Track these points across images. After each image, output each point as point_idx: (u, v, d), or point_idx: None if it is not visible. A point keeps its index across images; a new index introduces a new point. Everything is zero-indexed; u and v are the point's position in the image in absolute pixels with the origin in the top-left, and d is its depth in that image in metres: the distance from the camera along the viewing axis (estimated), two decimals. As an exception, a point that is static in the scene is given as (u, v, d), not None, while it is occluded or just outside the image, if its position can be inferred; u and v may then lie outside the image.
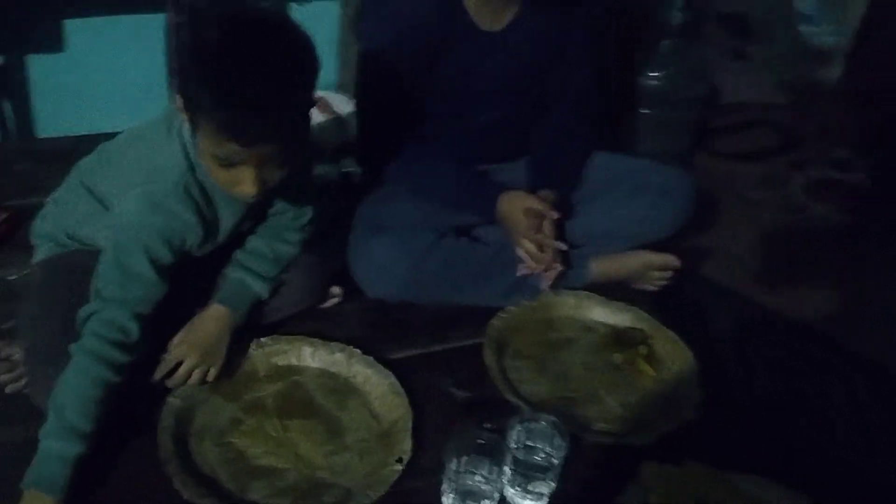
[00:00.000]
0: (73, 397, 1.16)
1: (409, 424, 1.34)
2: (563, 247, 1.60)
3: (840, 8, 3.86)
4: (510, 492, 1.27)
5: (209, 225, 1.33)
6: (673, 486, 1.27)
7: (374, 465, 1.29)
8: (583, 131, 1.74)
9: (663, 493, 1.26)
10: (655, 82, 2.68)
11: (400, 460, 1.28)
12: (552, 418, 1.27)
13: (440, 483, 1.24)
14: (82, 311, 1.24)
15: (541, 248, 1.57)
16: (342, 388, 1.42)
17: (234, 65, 1.10)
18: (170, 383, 1.34)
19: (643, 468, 1.29)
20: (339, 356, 1.45)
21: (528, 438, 1.27)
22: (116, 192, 1.30)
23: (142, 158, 1.29)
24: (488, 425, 1.28)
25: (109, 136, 1.44)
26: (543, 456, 1.25)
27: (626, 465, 1.31)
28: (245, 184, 1.18)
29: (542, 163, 1.71)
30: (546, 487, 1.25)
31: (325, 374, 1.44)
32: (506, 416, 1.29)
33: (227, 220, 1.36)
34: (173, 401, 1.32)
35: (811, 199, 2.85)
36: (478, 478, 1.23)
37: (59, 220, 1.44)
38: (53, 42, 2.47)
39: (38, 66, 2.47)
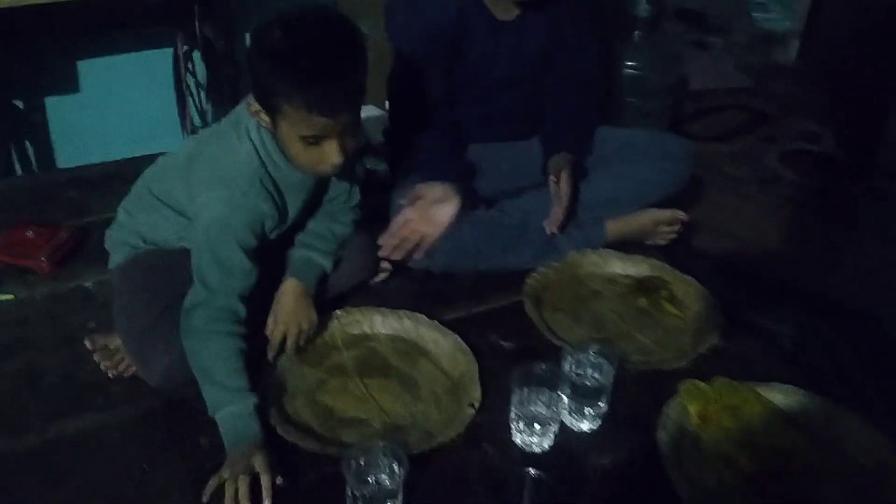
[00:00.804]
0: (222, 367, 1.35)
1: (477, 375, 1.50)
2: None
3: (791, -7, 4.12)
4: (568, 416, 1.44)
5: (281, 211, 1.50)
6: (707, 398, 1.45)
7: (449, 411, 1.46)
8: (590, 105, 1.93)
9: (700, 404, 1.44)
10: (633, 71, 2.89)
11: (472, 405, 1.44)
12: (598, 347, 1.45)
13: (507, 419, 1.41)
14: (187, 301, 1.41)
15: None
16: (412, 351, 1.59)
17: (306, 51, 1.29)
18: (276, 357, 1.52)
19: (680, 386, 1.47)
20: (407, 322, 1.62)
21: (579, 368, 1.45)
22: (193, 195, 1.46)
23: (214, 162, 1.46)
24: (544, 364, 1.45)
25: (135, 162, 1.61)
26: (594, 380, 1.43)
27: (665, 386, 1.49)
28: (332, 156, 1.36)
29: (555, 132, 1.89)
30: (599, 409, 1.43)
31: (396, 339, 1.61)
32: (553, 357, 1.46)
33: (294, 206, 1.54)
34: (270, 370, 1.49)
35: (785, 168, 3.07)
36: (540, 405, 1.40)
37: (131, 226, 1.60)
38: (69, 83, 2.63)
39: (56, 107, 2.60)
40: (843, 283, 2.43)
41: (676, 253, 1.92)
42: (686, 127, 3.28)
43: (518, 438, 1.40)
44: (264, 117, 1.39)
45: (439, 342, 1.58)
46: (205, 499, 1.25)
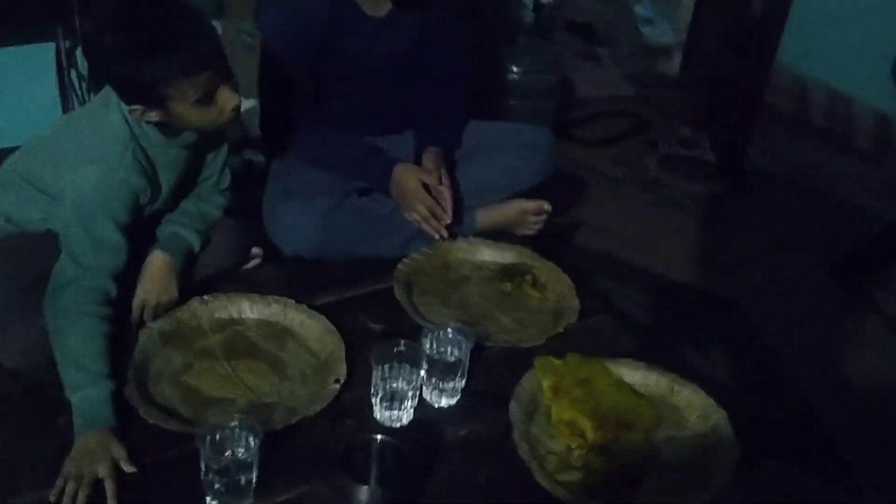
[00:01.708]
0: (85, 350, 1.36)
1: (343, 354, 1.54)
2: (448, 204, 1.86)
3: (674, 10, 4.32)
4: (428, 391, 1.50)
5: (154, 186, 1.53)
6: (559, 372, 1.53)
7: (315, 388, 1.50)
8: (458, 99, 2.00)
9: (553, 378, 1.52)
10: (516, 76, 3.00)
11: (337, 381, 1.49)
12: (457, 324, 1.52)
13: (369, 393, 1.46)
14: (56, 280, 1.42)
15: (432, 212, 1.83)
16: (280, 334, 1.62)
17: (157, 33, 1.34)
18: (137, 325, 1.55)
19: (535, 361, 1.55)
20: (275, 307, 1.65)
21: (438, 345, 1.51)
22: (61, 173, 1.47)
23: (84, 138, 1.48)
24: (404, 341, 1.51)
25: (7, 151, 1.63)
26: (452, 356, 1.49)
27: (522, 362, 1.56)
28: (230, 100, 1.43)
29: (426, 127, 1.97)
30: (457, 384, 1.49)
31: (263, 324, 1.63)
32: (418, 337, 1.52)
33: (167, 182, 1.56)
34: (136, 356, 1.49)
35: (664, 172, 3.23)
36: (400, 381, 1.45)
37: None
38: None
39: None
40: (709, 272, 2.60)
41: (545, 243, 2.01)
42: (572, 131, 3.42)
43: (378, 414, 1.45)
44: (151, 114, 1.42)
45: (307, 324, 1.62)
46: (52, 499, 1.24)
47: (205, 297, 1.64)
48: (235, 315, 1.64)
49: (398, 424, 1.45)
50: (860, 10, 3.32)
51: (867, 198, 3.09)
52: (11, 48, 2.61)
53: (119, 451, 1.29)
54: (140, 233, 1.56)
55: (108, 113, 1.47)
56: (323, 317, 1.62)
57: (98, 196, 1.43)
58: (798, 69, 3.60)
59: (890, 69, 2.79)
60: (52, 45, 2.47)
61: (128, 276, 1.53)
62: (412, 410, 1.46)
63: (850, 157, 3.41)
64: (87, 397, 1.34)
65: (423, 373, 1.48)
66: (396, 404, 1.44)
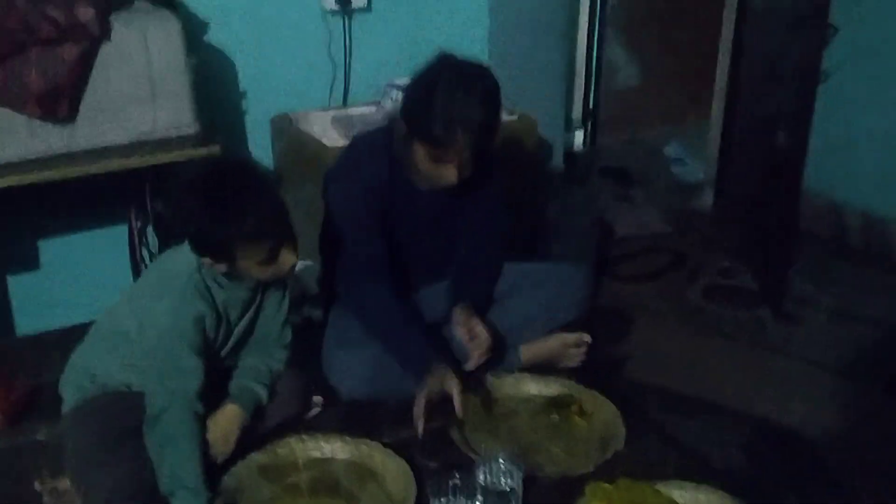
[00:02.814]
0: (187, 466, 1.55)
1: (413, 495, 1.63)
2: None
3: (702, 148, 4.51)
4: (485, 521, 1.57)
5: (219, 318, 1.69)
6: (611, 496, 1.59)
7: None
8: (495, 262, 2.15)
9: (603, 502, 1.58)
10: (552, 221, 3.17)
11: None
12: (507, 454, 1.60)
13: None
14: (150, 412, 1.59)
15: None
16: (364, 474, 1.73)
17: (231, 205, 1.55)
18: None
19: (587, 488, 1.61)
20: (363, 448, 1.77)
21: (491, 475, 1.59)
22: (142, 312, 1.65)
23: (155, 278, 1.70)
24: (458, 473, 1.59)
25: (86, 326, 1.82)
26: (506, 485, 1.56)
27: (573, 490, 1.63)
28: (288, 260, 1.64)
29: (462, 281, 2.10)
30: (512, 511, 1.56)
31: (351, 464, 1.75)
32: (471, 470, 1.61)
33: (234, 318, 1.73)
34: (227, 479, 1.65)
35: (706, 302, 3.31)
36: None
37: (80, 365, 1.77)
38: (29, 260, 2.80)
39: (17, 283, 2.78)
40: (759, 398, 2.63)
41: (590, 375, 2.09)
42: (612, 269, 3.54)
43: None
44: (220, 266, 1.60)
45: (388, 466, 1.72)
46: None
47: (303, 435, 1.78)
48: (328, 454, 1.77)
49: None
50: (884, 133, 3.47)
51: (913, 316, 3.12)
52: (89, 231, 2.86)
53: None
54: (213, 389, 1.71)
55: (177, 256, 1.67)
56: (403, 460, 1.72)
57: (172, 324, 1.60)
58: (830, 194, 3.72)
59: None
60: (124, 227, 2.72)
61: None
62: None
63: (890, 276, 3.45)
64: None
65: (478, 502, 1.55)
66: None
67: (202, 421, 1.64)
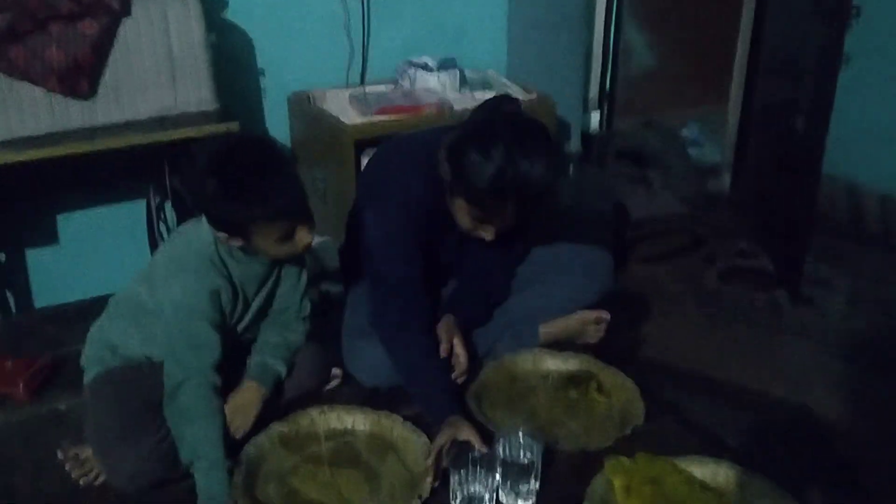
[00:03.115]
0: (205, 442, 1.56)
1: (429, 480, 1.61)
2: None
3: (719, 130, 4.49)
4: (504, 495, 1.57)
5: (236, 293, 1.70)
6: (630, 471, 1.59)
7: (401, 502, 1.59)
8: (503, 286, 2.09)
9: (623, 477, 1.58)
10: (570, 204, 3.16)
11: (420, 496, 1.57)
12: (526, 430, 1.60)
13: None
14: (169, 385, 1.61)
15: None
16: (385, 447, 1.74)
17: (253, 184, 1.54)
18: None
19: (605, 462, 1.62)
20: (385, 422, 1.77)
21: (511, 449, 1.59)
22: (157, 289, 1.66)
23: (172, 253, 1.69)
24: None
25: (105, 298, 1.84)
26: (525, 459, 1.57)
27: (592, 465, 1.63)
28: (304, 238, 1.63)
29: (461, 298, 2.04)
30: (531, 485, 1.57)
31: (372, 436, 1.76)
32: (491, 444, 1.61)
33: (251, 293, 1.73)
34: (248, 448, 1.66)
35: (723, 284, 3.30)
36: (477, 485, 1.53)
37: (101, 339, 1.78)
38: (48, 235, 2.82)
39: (36, 257, 2.80)
40: (775, 380, 2.63)
41: (608, 354, 2.09)
42: (629, 252, 3.53)
43: None
44: (235, 242, 1.60)
45: (409, 440, 1.72)
46: None
47: (324, 406, 1.79)
48: (349, 426, 1.78)
49: None
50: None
51: (930, 298, 3.11)
52: (107, 207, 2.88)
53: None
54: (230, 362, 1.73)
55: (193, 231, 1.67)
56: (424, 435, 1.72)
57: (189, 300, 1.61)
58: (849, 179, 3.70)
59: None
60: (143, 203, 2.74)
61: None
62: None
63: (909, 260, 3.44)
64: (208, 480, 1.54)
65: (498, 476, 1.56)
66: None
67: (221, 394, 1.65)
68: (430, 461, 1.60)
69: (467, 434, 1.63)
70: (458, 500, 1.53)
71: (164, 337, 1.64)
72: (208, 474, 1.55)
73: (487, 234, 1.81)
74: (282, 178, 1.56)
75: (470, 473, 1.54)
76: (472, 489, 1.53)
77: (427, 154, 1.83)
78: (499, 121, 1.72)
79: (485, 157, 1.66)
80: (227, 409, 1.68)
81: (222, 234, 1.60)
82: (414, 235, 1.85)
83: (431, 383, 1.79)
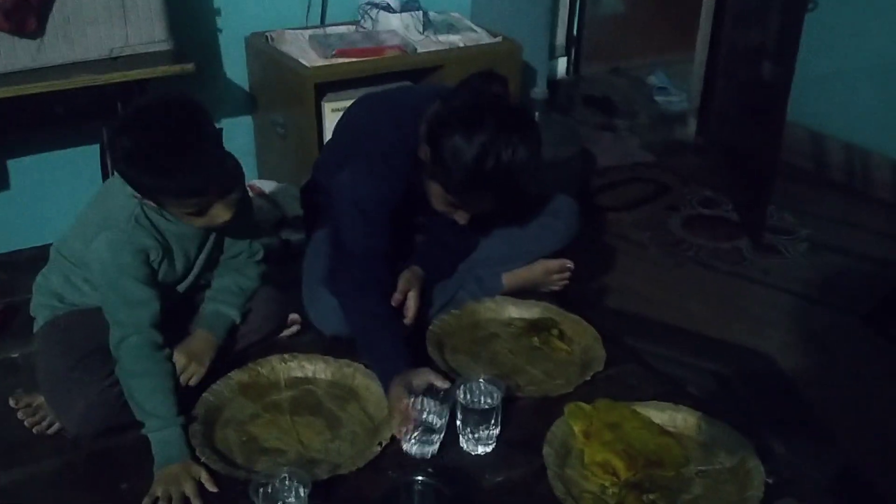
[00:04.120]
0: (153, 398, 1.52)
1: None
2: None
3: (686, 78, 4.47)
4: (464, 440, 1.57)
5: (169, 247, 1.63)
6: (590, 416, 1.59)
7: (361, 448, 1.58)
8: (472, 247, 2.05)
9: (583, 423, 1.58)
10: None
11: (380, 444, 1.56)
12: (487, 376, 1.60)
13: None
14: (112, 341, 1.56)
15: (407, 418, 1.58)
16: (346, 395, 1.72)
17: (159, 155, 1.46)
18: None
19: (566, 408, 1.62)
20: (346, 370, 1.75)
21: (471, 395, 1.58)
22: (89, 242, 1.59)
23: (100, 209, 1.62)
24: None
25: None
26: (486, 404, 1.56)
27: (553, 410, 1.63)
28: (221, 215, 1.54)
29: (427, 253, 1.98)
30: (491, 431, 1.56)
31: (333, 384, 1.75)
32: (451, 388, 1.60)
33: (181, 252, 1.66)
34: (206, 396, 1.64)
35: (687, 233, 3.31)
36: (431, 415, 1.54)
37: (46, 288, 1.73)
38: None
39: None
40: (737, 327, 2.65)
41: (572, 303, 2.08)
42: (594, 199, 3.53)
43: (412, 448, 1.55)
44: (151, 203, 1.55)
45: (371, 389, 1.71)
46: None
47: (285, 355, 1.77)
48: (310, 374, 1.76)
49: (430, 456, 1.55)
50: (870, 65, 3.44)
51: (890, 247, 3.14)
52: (61, 151, 2.79)
53: (199, 472, 1.45)
54: (180, 312, 1.70)
55: (118, 187, 1.59)
56: None
57: (112, 257, 1.55)
58: (813, 126, 3.70)
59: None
60: (96, 147, 2.66)
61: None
62: (439, 442, 1.56)
63: (870, 209, 3.47)
64: (162, 437, 1.50)
65: (458, 422, 1.56)
66: (429, 437, 1.54)
67: (164, 350, 1.59)
68: (396, 416, 1.56)
69: (423, 376, 1.60)
70: (413, 431, 1.53)
71: (100, 294, 1.59)
72: (162, 432, 1.51)
73: (461, 218, 1.78)
74: (195, 156, 1.47)
75: (421, 401, 1.54)
76: (427, 419, 1.54)
77: (411, 119, 1.77)
78: (485, 106, 1.66)
79: (467, 146, 1.62)
80: (178, 358, 1.64)
81: (137, 194, 1.54)
82: (388, 206, 1.81)
83: (383, 346, 1.71)
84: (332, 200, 1.85)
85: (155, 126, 1.47)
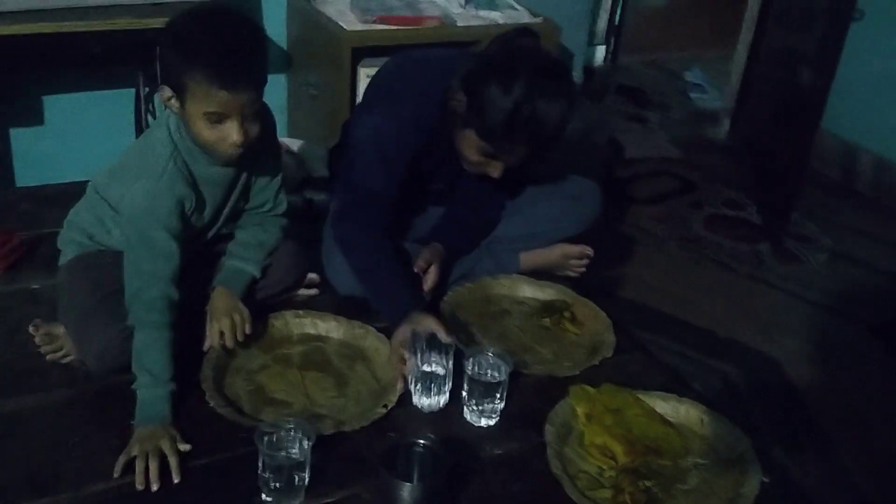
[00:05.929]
0: (150, 354, 1.50)
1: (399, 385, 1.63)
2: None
3: (723, 77, 4.44)
4: (468, 412, 1.59)
5: (199, 198, 1.64)
6: (593, 400, 1.61)
7: (365, 409, 1.60)
8: (494, 222, 2.05)
9: (586, 405, 1.60)
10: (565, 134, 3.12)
11: (385, 406, 1.59)
12: (496, 349, 1.61)
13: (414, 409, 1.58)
14: (128, 291, 1.56)
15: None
16: (355, 355, 1.74)
17: (207, 31, 1.48)
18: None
19: (570, 389, 1.63)
20: (358, 331, 1.78)
21: (479, 367, 1.60)
22: (122, 190, 1.61)
23: (139, 155, 1.63)
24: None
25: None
26: (493, 377, 1.58)
27: (558, 391, 1.65)
28: (233, 134, 1.51)
29: (449, 228, 2.00)
30: (496, 404, 1.58)
31: (343, 344, 1.77)
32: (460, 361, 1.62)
33: (211, 199, 1.67)
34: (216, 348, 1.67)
35: (707, 231, 3.31)
36: (434, 365, 1.58)
37: (78, 224, 1.75)
38: (33, 116, 2.78)
39: (19, 137, 2.77)
40: (747, 329, 2.66)
41: (587, 289, 2.09)
42: (618, 188, 3.52)
43: (418, 401, 1.60)
44: (174, 102, 1.53)
45: (381, 351, 1.73)
46: (116, 474, 1.39)
47: (299, 311, 1.80)
48: (322, 332, 1.79)
49: (437, 409, 1.58)
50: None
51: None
52: (95, 93, 2.82)
53: (174, 432, 1.44)
54: (200, 264, 1.72)
55: (157, 131, 1.61)
56: None
57: (148, 206, 1.56)
58: (846, 136, 3.68)
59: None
60: (132, 91, 2.68)
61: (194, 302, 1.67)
62: (447, 394, 1.60)
63: (895, 224, 3.45)
64: (149, 396, 1.48)
65: (464, 392, 1.58)
66: (435, 389, 1.58)
67: (176, 307, 1.57)
68: (394, 361, 1.62)
69: (427, 324, 1.62)
70: (414, 381, 1.57)
71: (126, 240, 1.60)
72: (150, 390, 1.49)
73: (494, 170, 1.77)
74: (230, 40, 1.48)
75: (429, 354, 1.57)
76: (430, 368, 1.57)
77: (442, 77, 1.77)
78: (520, 56, 1.68)
79: (504, 91, 1.63)
80: (213, 326, 1.65)
81: (166, 92, 1.52)
82: (408, 152, 1.81)
83: (389, 281, 1.74)
84: (352, 139, 1.85)
85: (216, 15, 1.51)
